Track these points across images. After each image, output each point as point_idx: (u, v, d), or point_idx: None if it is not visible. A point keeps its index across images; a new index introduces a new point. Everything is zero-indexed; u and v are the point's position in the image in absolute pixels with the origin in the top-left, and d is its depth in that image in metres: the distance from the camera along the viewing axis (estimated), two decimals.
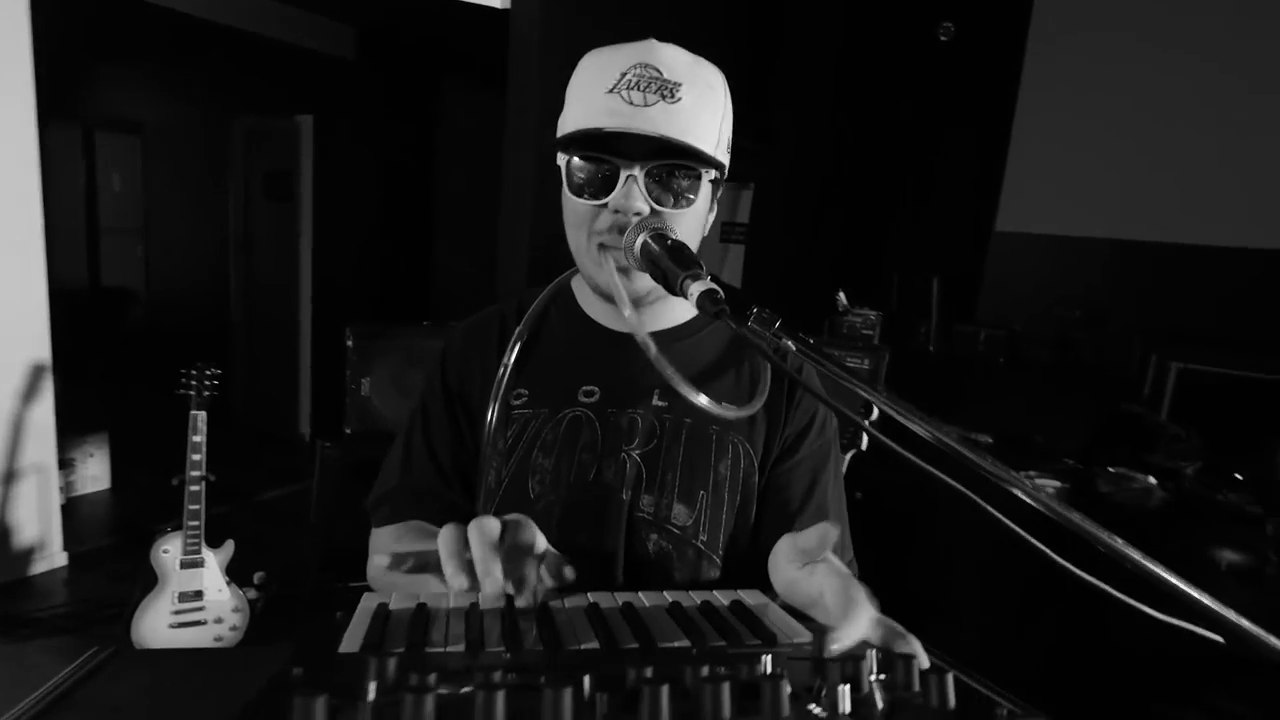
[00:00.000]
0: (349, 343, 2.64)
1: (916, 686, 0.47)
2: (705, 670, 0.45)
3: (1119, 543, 0.57)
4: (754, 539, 0.95)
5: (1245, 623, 0.58)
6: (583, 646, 0.56)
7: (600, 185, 0.85)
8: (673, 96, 0.83)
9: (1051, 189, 4.76)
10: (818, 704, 0.44)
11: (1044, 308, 4.73)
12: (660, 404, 0.93)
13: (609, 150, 0.83)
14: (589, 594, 0.67)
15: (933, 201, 5.16)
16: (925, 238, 5.11)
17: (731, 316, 0.65)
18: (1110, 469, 3.01)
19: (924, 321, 4.91)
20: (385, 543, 0.95)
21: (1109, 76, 4.52)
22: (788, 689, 0.43)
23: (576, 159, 0.85)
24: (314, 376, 4.83)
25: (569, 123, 0.86)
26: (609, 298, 0.91)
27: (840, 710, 0.43)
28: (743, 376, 0.97)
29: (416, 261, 4.89)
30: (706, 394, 0.89)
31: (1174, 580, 0.56)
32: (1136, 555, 0.56)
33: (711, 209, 0.93)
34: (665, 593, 0.69)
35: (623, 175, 0.83)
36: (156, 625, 2.39)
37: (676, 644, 0.57)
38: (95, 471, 3.66)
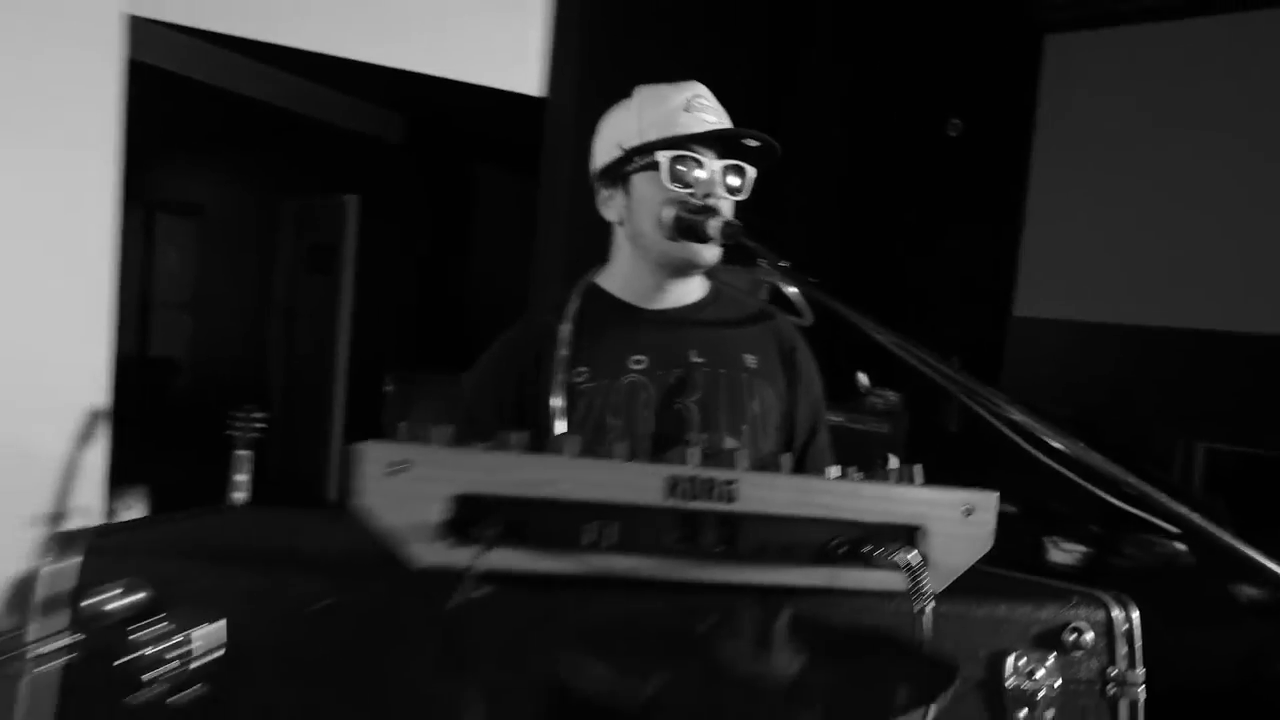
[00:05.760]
0: (389, 387, 2.78)
1: None
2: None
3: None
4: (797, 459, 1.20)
5: None
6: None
7: (687, 175, 1.08)
8: (726, 117, 1.15)
9: (1068, 274, 4.91)
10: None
11: (1063, 390, 4.81)
12: (699, 360, 1.14)
13: (701, 149, 1.09)
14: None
15: (948, 287, 5.34)
16: (942, 322, 5.26)
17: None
18: (1136, 535, 3.09)
19: (945, 402, 4.99)
20: None
21: (1121, 161, 4.72)
22: None
23: (672, 156, 1.08)
24: (346, 440, 4.97)
25: (652, 132, 1.10)
26: (672, 271, 1.15)
27: None
28: (764, 333, 1.22)
29: (450, 329, 5.11)
30: (738, 345, 1.18)
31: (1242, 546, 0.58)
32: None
33: None
34: None
35: (709, 167, 1.09)
36: None
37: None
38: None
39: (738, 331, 1.20)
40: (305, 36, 3.47)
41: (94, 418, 3.13)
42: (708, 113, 1.12)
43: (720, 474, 0.48)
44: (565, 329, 1.13)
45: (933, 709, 0.50)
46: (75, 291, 3.10)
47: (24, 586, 0.46)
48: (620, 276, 1.21)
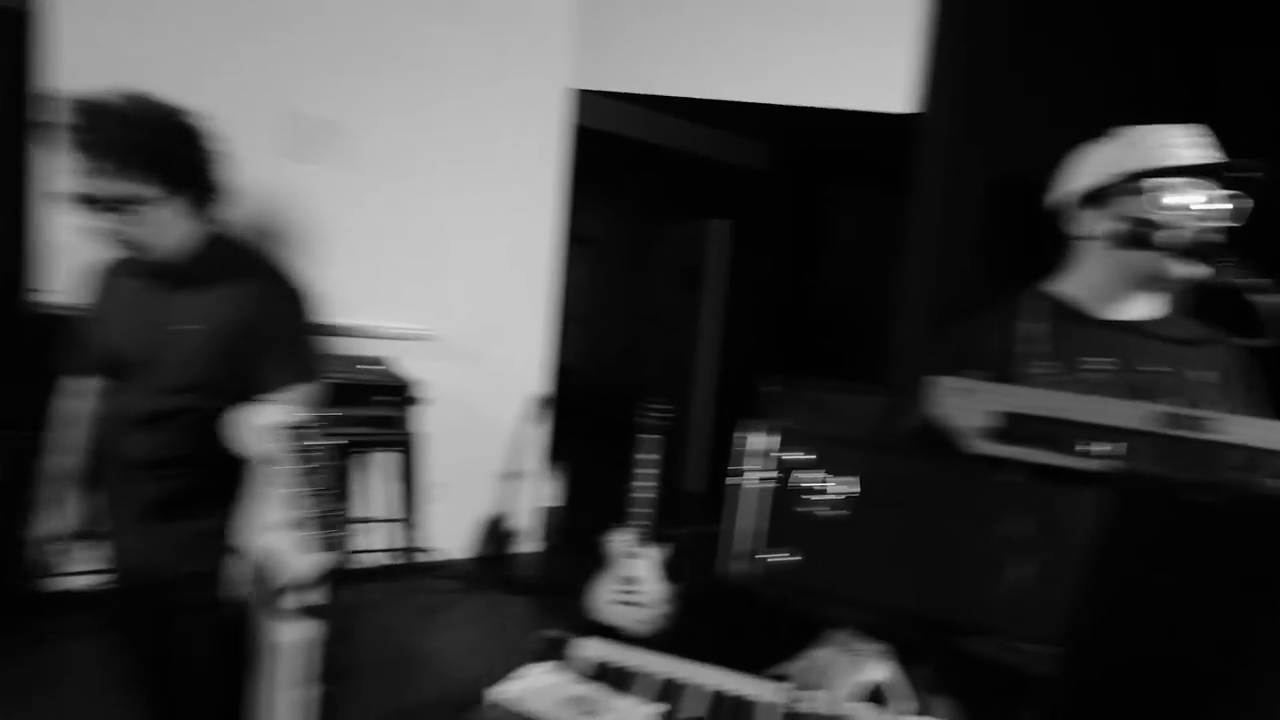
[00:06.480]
0: (768, 389, 3.16)
1: None
2: None
3: None
4: None
5: None
6: None
7: (1171, 200, 1.20)
8: (1215, 153, 1.25)
9: None
10: None
11: None
12: (1149, 369, 1.23)
13: (1197, 176, 1.20)
14: None
15: None
16: None
17: None
18: None
19: None
20: None
21: None
22: None
23: (1158, 182, 1.21)
24: (712, 436, 5.57)
25: (1140, 161, 1.22)
26: (1139, 284, 1.25)
27: None
28: (1215, 355, 1.27)
29: (809, 339, 5.44)
30: (1189, 361, 1.25)
31: None
32: None
33: None
34: None
35: (1194, 195, 1.19)
36: (602, 599, 3.01)
37: None
38: (555, 490, 4.73)
39: (1190, 349, 1.26)
40: (695, 86, 4.07)
41: (538, 403, 4.05)
42: (1197, 148, 1.22)
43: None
44: (1028, 328, 1.27)
45: None
46: (530, 306, 4.08)
47: (740, 446, 0.83)
48: (1084, 286, 1.32)
